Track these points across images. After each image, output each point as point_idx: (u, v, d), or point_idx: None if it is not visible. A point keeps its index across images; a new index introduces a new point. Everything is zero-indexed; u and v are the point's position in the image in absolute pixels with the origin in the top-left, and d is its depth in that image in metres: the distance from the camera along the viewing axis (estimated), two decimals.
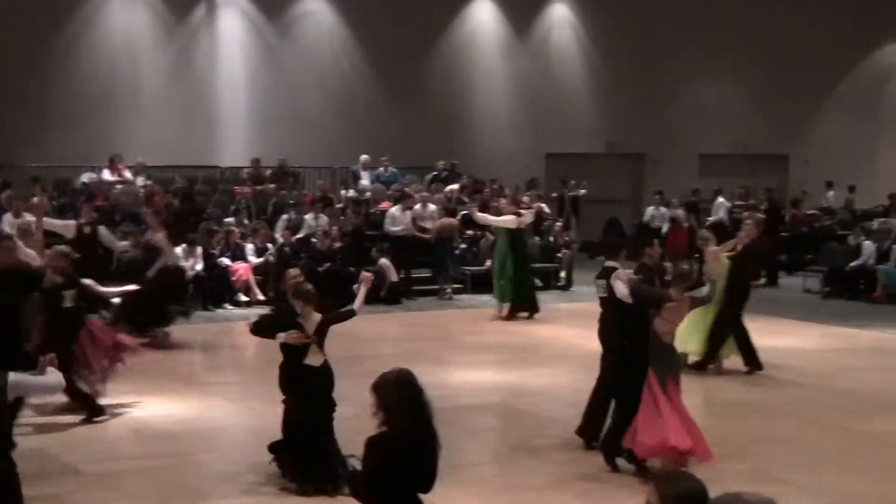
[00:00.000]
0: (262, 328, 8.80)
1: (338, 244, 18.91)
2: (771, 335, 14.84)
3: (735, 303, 13.05)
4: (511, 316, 17.21)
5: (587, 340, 14.18)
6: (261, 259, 18.53)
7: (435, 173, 23.65)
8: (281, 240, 19.06)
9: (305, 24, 24.74)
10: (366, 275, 9.19)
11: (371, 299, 12.91)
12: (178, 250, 16.94)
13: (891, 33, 30.37)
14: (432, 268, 19.86)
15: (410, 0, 25.02)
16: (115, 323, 13.21)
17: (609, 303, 9.47)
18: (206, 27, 23.81)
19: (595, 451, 9.48)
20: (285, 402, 8.64)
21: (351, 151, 22.94)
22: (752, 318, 13.71)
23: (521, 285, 17.35)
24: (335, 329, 8.63)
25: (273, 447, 8.69)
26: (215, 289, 17.80)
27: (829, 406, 11.66)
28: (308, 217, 19.60)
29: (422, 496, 5.27)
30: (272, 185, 21.19)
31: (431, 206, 20.57)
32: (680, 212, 23.19)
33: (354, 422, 8.34)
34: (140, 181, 20.55)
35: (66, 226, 15.30)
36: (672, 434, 8.46)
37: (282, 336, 8.46)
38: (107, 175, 20.49)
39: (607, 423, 9.47)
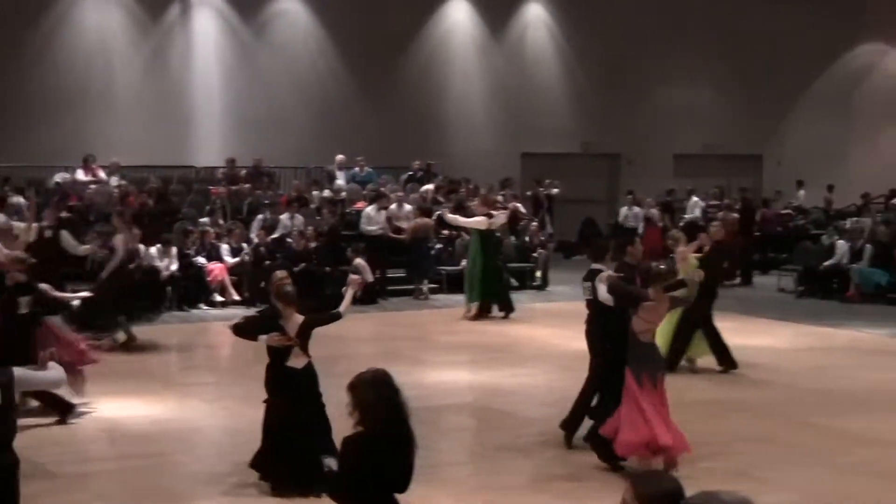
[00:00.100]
0: (243, 330, 8.75)
1: (313, 244, 18.87)
2: (745, 334, 14.93)
3: (703, 303, 13.07)
4: (478, 316, 17.19)
5: (563, 340, 14.29)
6: (236, 259, 18.49)
7: (410, 173, 23.64)
8: (256, 240, 19.00)
9: (280, 24, 24.69)
10: (354, 277, 9.15)
11: None
12: (153, 250, 16.90)
13: (863, 35, 30.58)
14: (408, 268, 19.86)
15: (385, 0, 25.02)
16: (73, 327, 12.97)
17: (593, 305, 9.50)
18: (181, 26, 23.72)
19: (573, 451, 9.50)
20: (266, 403, 8.60)
21: (326, 151, 22.90)
22: (726, 318, 13.75)
23: (491, 286, 17.33)
24: (316, 330, 8.59)
25: (255, 464, 8.57)
26: (190, 289, 17.75)
27: (803, 404, 11.72)
28: (283, 217, 19.54)
29: (398, 496, 5.25)
30: (247, 185, 21.13)
31: (407, 206, 20.58)
32: (655, 211, 23.26)
33: (331, 422, 8.36)
34: (114, 181, 20.42)
35: (27, 228, 15.05)
36: (657, 430, 8.49)
37: (263, 338, 8.42)
38: (80, 175, 20.36)
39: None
